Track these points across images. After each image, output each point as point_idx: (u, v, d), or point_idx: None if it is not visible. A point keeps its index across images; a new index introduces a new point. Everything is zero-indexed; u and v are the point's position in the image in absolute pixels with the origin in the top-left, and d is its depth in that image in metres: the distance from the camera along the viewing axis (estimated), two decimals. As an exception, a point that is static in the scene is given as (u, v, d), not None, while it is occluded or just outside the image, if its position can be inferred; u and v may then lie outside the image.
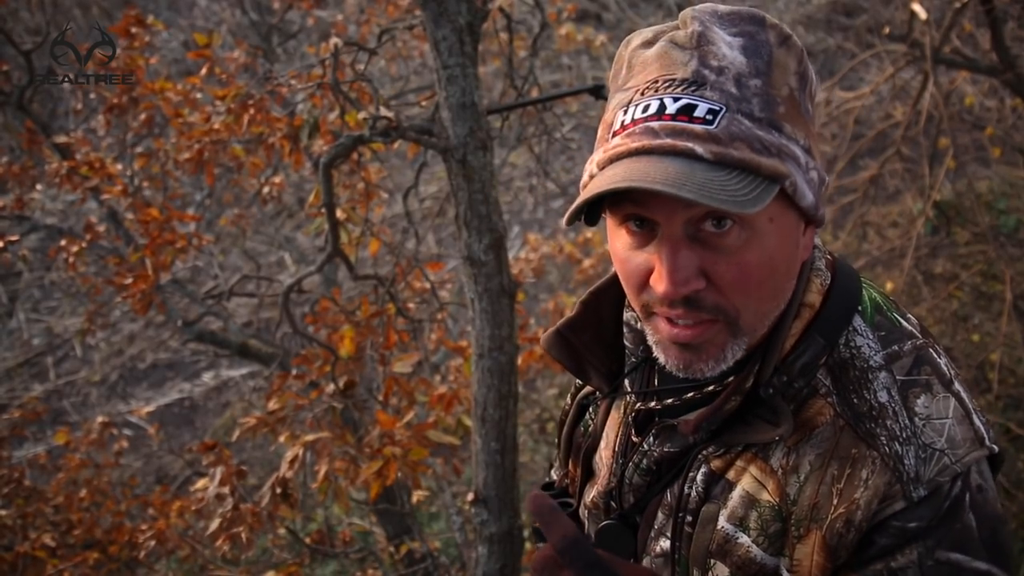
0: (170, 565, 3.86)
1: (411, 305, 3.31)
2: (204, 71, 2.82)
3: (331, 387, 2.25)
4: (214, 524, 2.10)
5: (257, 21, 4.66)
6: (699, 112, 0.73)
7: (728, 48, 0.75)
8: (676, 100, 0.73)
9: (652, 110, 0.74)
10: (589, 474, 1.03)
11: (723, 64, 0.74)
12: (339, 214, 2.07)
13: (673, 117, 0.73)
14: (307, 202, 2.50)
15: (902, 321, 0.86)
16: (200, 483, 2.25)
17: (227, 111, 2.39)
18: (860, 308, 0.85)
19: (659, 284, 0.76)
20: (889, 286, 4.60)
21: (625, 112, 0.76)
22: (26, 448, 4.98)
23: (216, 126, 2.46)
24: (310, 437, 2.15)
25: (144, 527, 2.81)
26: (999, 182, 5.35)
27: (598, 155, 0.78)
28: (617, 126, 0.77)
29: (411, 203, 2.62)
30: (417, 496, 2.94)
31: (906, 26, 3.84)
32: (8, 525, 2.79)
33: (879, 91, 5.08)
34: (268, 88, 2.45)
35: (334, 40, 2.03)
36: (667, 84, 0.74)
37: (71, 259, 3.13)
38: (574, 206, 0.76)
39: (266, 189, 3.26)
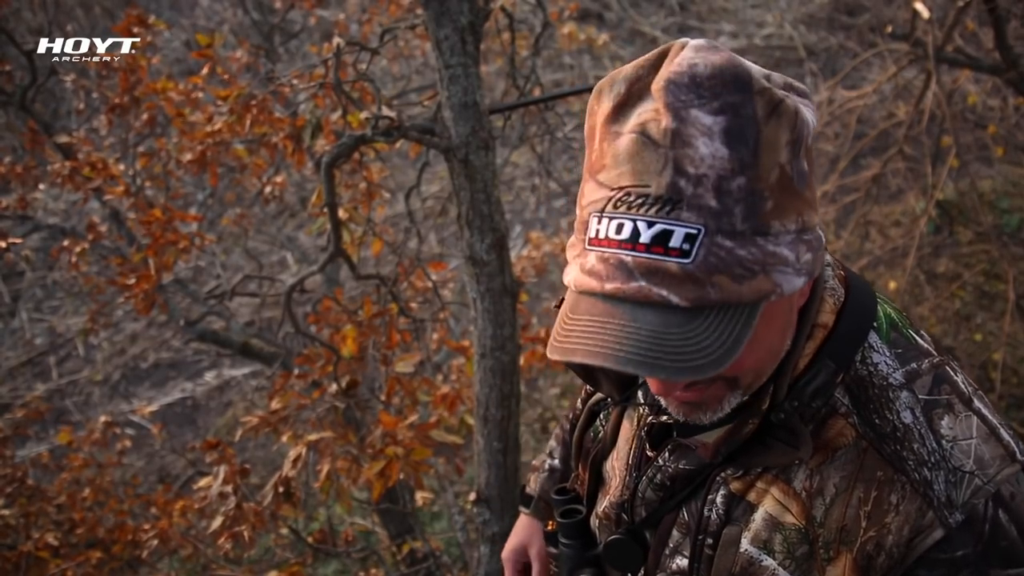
0: (172, 564, 3.86)
1: (413, 305, 3.31)
2: (206, 71, 2.82)
3: (333, 387, 2.25)
4: (217, 523, 2.10)
5: (259, 20, 4.66)
6: (675, 241, 0.68)
7: (707, 142, 0.67)
8: (650, 225, 0.68)
9: (625, 233, 0.69)
10: (599, 480, 1.03)
11: (701, 172, 0.67)
12: (341, 214, 2.07)
13: (648, 247, 0.68)
14: (309, 202, 2.50)
15: (917, 338, 0.85)
16: (203, 481, 2.25)
17: (229, 111, 2.39)
18: (876, 324, 0.84)
19: (651, 382, 0.79)
20: (892, 285, 4.59)
21: (599, 220, 0.71)
22: (29, 447, 4.98)
23: (218, 126, 2.46)
24: (312, 437, 2.15)
25: (147, 526, 2.81)
26: (1002, 181, 5.34)
27: (574, 269, 0.74)
28: (592, 233, 0.72)
29: (413, 203, 2.62)
30: (420, 496, 2.94)
31: (908, 25, 3.83)
32: (11, 524, 2.79)
33: (881, 90, 5.07)
34: (270, 88, 2.45)
35: (336, 40, 2.03)
36: (640, 200, 0.69)
37: (74, 259, 3.13)
38: (553, 354, 0.73)
39: (268, 189, 3.26)
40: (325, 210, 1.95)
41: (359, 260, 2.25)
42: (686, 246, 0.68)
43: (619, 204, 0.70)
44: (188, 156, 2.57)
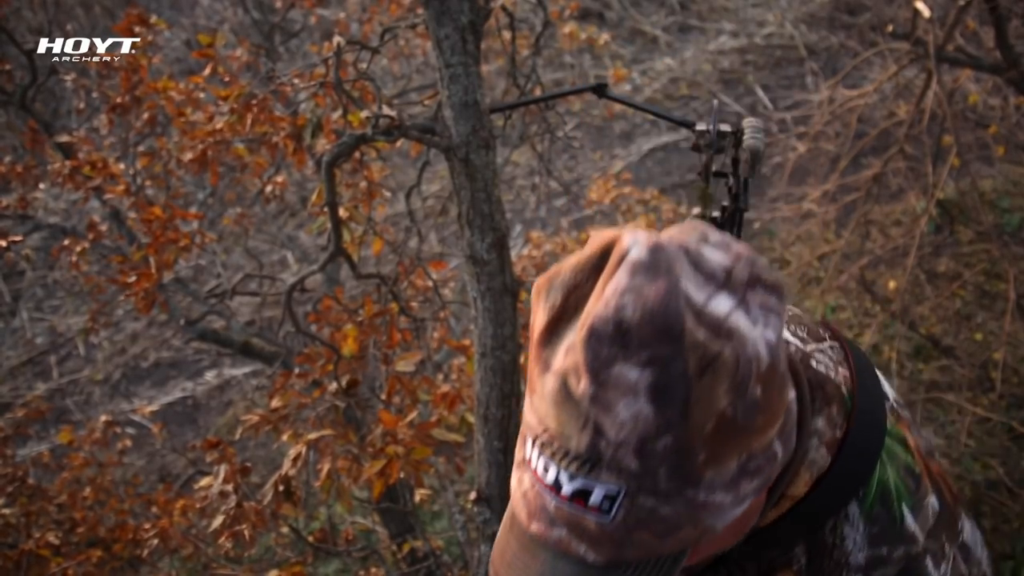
0: (173, 563, 3.87)
1: (414, 304, 3.32)
2: (208, 71, 2.82)
3: (334, 386, 2.25)
4: (217, 522, 2.10)
5: (259, 20, 4.66)
6: (594, 499, 0.65)
7: (630, 403, 0.61)
8: (571, 479, 0.65)
9: (549, 479, 0.66)
10: None
11: (621, 437, 0.62)
12: (342, 213, 2.07)
13: (568, 499, 0.66)
14: (310, 201, 2.50)
15: (907, 517, 0.78)
16: (204, 481, 2.25)
17: (230, 110, 2.39)
18: (863, 494, 0.78)
19: None
20: (892, 285, 4.60)
21: (532, 447, 0.68)
22: (30, 447, 4.99)
23: (219, 125, 2.46)
24: (313, 436, 2.15)
25: (147, 525, 2.82)
26: (1003, 180, 5.34)
27: (515, 479, 0.72)
28: (527, 454, 0.70)
29: (414, 202, 2.62)
30: (420, 495, 2.94)
31: (909, 24, 3.83)
32: (12, 523, 2.79)
33: (882, 89, 5.07)
34: (271, 87, 2.45)
35: (337, 39, 2.03)
36: (562, 453, 0.65)
37: (74, 258, 3.13)
38: (492, 570, 0.73)
39: (269, 188, 3.26)
40: (325, 209, 1.95)
41: (359, 259, 2.25)
42: (605, 505, 0.65)
43: (545, 447, 0.67)
44: (189, 155, 2.57)
